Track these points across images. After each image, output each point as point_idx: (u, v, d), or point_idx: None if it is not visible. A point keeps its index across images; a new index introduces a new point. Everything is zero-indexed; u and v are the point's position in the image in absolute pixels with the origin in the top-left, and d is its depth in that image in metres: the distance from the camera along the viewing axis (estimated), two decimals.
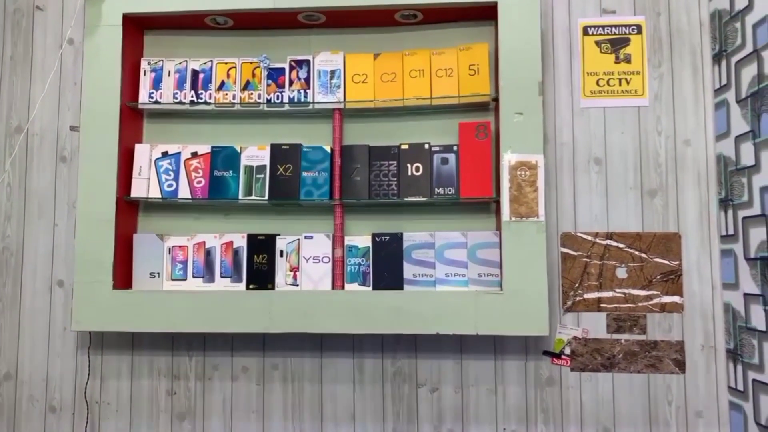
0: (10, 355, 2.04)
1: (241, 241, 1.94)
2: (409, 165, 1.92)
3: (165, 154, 1.99)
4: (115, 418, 2.00)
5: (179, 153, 1.98)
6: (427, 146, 1.92)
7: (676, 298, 1.91)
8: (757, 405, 1.71)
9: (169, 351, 2.02)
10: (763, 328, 1.67)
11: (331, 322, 1.83)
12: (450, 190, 1.90)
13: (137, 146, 1.99)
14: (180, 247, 1.95)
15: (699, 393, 1.89)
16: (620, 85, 1.99)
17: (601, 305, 1.93)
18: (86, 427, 1.99)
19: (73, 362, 2.02)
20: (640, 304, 1.92)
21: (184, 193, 1.96)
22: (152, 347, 2.02)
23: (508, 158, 1.82)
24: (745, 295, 1.76)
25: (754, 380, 1.72)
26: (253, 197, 1.94)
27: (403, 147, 1.93)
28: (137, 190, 1.96)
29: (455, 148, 1.91)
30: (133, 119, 2.02)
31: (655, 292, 1.92)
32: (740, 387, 1.80)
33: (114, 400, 2.01)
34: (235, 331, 1.87)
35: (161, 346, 2.01)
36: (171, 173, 1.98)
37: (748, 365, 1.75)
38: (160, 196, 1.96)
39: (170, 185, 1.97)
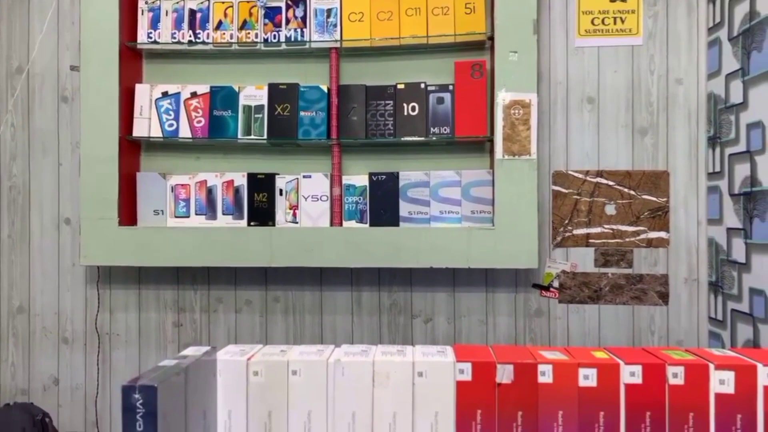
0: (21, 289, 2.12)
1: (241, 180, 1.99)
2: (405, 104, 1.96)
3: (165, 94, 2.02)
4: (125, 348, 2.10)
5: (179, 93, 2.01)
6: (423, 86, 1.95)
7: (662, 234, 1.98)
8: (734, 333, 1.80)
9: (174, 285, 2.10)
10: (743, 261, 1.74)
11: (329, 257, 1.90)
12: (445, 130, 1.94)
13: (137, 86, 2.01)
14: (182, 185, 2.01)
15: (681, 323, 1.98)
16: (615, 24, 2.00)
17: (590, 241, 2.00)
18: (98, 356, 2.10)
19: (82, 296, 2.11)
20: (627, 240, 1.99)
21: (184, 132, 2.00)
22: (158, 281, 2.10)
23: (502, 97, 1.85)
24: (728, 229, 1.83)
25: (732, 310, 1.81)
26: (252, 137, 1.98)
27: (399, 86, 1.96)
28: (139, 130, 2.00)
29: (451, 87, 1.94)
30: (132, 59, 2.04)
31: (642, 228, 1.99)
32: (719, 317, 1.89)
33: (123, 332, 2.11)
34: (238, 266, 1.95)
35: (167, 281, 2.10)
36: (171, 113, 2.01)
37: (728, 296, 1.83)
38: (161, 135, 2.00)
39: (171, 125, 2.01)
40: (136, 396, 0.62)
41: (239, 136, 1.99)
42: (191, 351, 0.79)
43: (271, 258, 1.91)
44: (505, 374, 0.79)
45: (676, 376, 0.77)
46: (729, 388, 0.76)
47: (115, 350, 2.11)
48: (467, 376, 0.79)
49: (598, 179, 2.00)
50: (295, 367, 0.81)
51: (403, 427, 0.79)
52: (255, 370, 0.81)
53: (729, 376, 0.76)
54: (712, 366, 0.77)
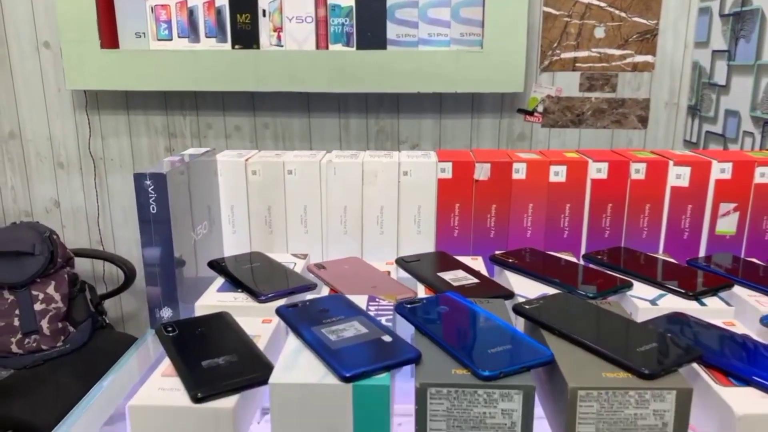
0: (10, 114, 2.13)
1: (222, 0, 1.92)
2: None
3: None
4: (120, 172, 2.17)
5: None
6: None
7: (648, 57, 1.99)
8: None
9: (163, 111, 2.11)
10: (723, 83, 1.78)
11: (316, 82, 1.91)
12: None
13: None
14: (162, 5, 1.94)
15: (657, 146, 2.07)
16: None
17: (576, 65, 2.01)
18: (94, 180, 2.17)
19: (72, 121, 2.13)
20: (613, 63, 2.00)
21: None
22: (146, 107, 2.11)
23: None
24: (713, 52, 1.84)
25: (707, 132, 1.88)
26: None
27: None
28: None
29: None
30: None
31: (629, 52, 1.99)
32: (694, 139, 1.97)
33: (117, 157, 2.16)
34: (224, 90, 1.95)
35: (155, 106, 2.11)
36: None
37: (704, 118, 1.90)
38: None
39: None
40: (148, 182, 0.69)
41: None
42: (191, 151, 0.84)
43: (257, 82, 1.91)
44: (482, 172, 0.86)
45: (638, 171, 0.85)
46: (684, 182, 0.84)
47: (110, 175, 2.18)
48: (448, 174, 0.86)
49: (590, 0, 1.95)
50: (291, 167, 0.87)
51: (389, 220, 0.88)
52: (253, 169, 0.87)
53: (685, 171, 0.84)
54: (671, 162, 0.84)
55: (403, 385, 0.54)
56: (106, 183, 2.18)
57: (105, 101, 2.11)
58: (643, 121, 2.05)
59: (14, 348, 1.73)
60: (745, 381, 0.51)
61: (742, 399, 0.49)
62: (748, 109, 1.64)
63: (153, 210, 0.69)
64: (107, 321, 1.98)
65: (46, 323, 1.77)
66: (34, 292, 1.78)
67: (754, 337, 0.59)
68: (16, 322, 1.75)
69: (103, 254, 2.14)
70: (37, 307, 1.78)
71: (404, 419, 0.56)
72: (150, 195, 0.69)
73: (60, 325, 1.79)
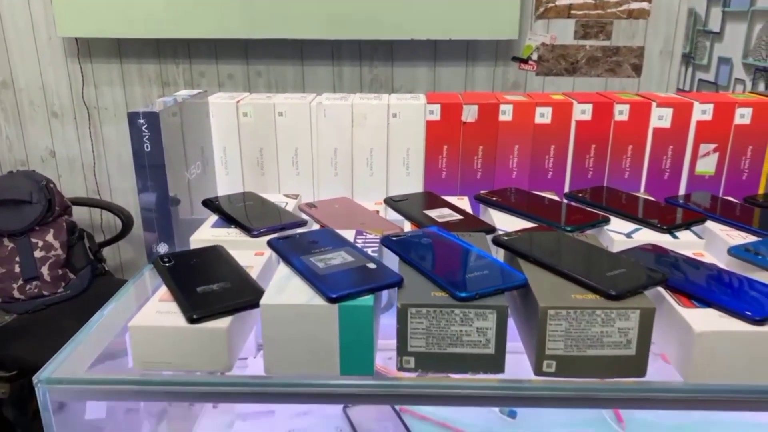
0: (1, 63, 2.11)
1: None
2: None
3: None
4: (115, 122, 2.17)
5: None
6: None
7: (644, 5, 1.97)
8: None
9: (155, 59, 2.10)
10: (717, 30, 1.77)
11: (309, 28, 1.90)
12: None
13: None
14: None
15: (650, 87, 2.07)
16: None
17: (572, 12, 1.99)
18: (89, 129, 2.18)
19: (64, 70, 2.12)
20: (608, 11, 1.98)
21: None
22: (139, 55, 2.10)
23: None
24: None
25: (699, 80, 1.89)
26: None
27: None
28: None
29: None
30: None
31: None
32: (687, 87, 1.97)
33: (111, 106, 2.16)
34: (217, 37, 1.94)
35: (148, 55, 2.09)
36: None
37: (698, 66, 1.90)
38: None
39: None
40: (141, 121, 0.71)
41: None
42: (183, 93, 0.86)
43: (250, 30, 1.90)
44: (470, 114, 0.88)
45: (621, 113, 0.86)
46: (666, 123, 0.86)
47: (105, 124, 2.18)
48: (436, 116, 0.88)
49: None
50: (281, 109, 0.89)
51: (378, 161, 0.90)
52: (244, 111, 0.89)
53: (667, 112, 0.86)
54: (654, 104, 0.86)
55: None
56: (101, 132, 2.19)
57: (97, 49, 2.09)
58: (637, 69, 2.04)
59: (16, 294, 1.77)
60: (706, 303, 0.54)
61: (702, 318, 0.52)
62: (741, 56, 1.64)
63: (147, 148, 0.71)
64: (106, 268, 2.02)
65: (47, 270, 1.81)
66: (34, 240, 1.81)
67: (721, 266, 0.62)
68: (17, 269, 1.78)
69: (100, 203, 2.17)
70: (37, 254, 1.81)
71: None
72: (144, 133, 0.71)
73: (60, 271, 1.83)
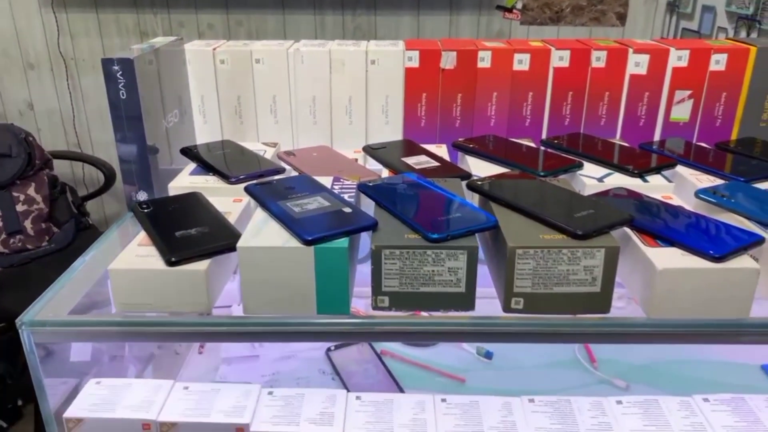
0: None
1: None
2: None
3: None
4: (93, 73, 2.13)
5: None
6: None
7: None
8: None
9: (133, 9, 2.05)
10: None
11: None
12: None
13: None
14: None
15: (634, 36, 2.06)
16: None
17: None
18: (67, 81, 2.14)
19: (39, 20, 2.06)
20: None
21: None
22: (116, 5, 2.04)
23: None
24: None
25: (683, 29, 1.88)
26: None
27: None
28: None
29: None
30: None
31: None
32: (671, 36, 1.96)
33: (88, 57, 2.11)
34: None
35: (125, 4, 2.04)
36: None
37: (682, 15, 1.89)
38: None
39: None
40: (116, 68, 0.70)
41: None
42: (159, 40, 0.85)
43: None
44: (448, 60, 0.87)
45: (599, 59, 0.87)
46: (642, 70, 0.87)
47: (83, 76, 2.14)
48: (415, 63, 0.88)
49: None
50: (258, 56, 0.88)
51: (357, 109, 0.90)
52: (221, 59, 0.88)
53: (644, 59, 0.86)
54: (630, 50, 0.86)
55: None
56: (80, 84, 2.15)
57: None
58: (622, 18, 2.03)
59: (0, 248, 1.77)
60: (670, 242, 0.56)
61: (665, 256, 0.54)
62: (724, 4, 1.64)
63: (123, 96, 0.71)
64: (90, 222, 2.02)
65: (30, 224, 1.80)
66: (15, 194, 1.80)
67: (688, 208, 0.64)
68: (0, 223, 1.78)
69: (81, 156, 2.15)
70: (19, 208, 1.80)
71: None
72: (119, 81, 0.70)
73: (44, 225, 1.82)
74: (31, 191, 1.82)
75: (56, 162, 1.94)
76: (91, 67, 2.12)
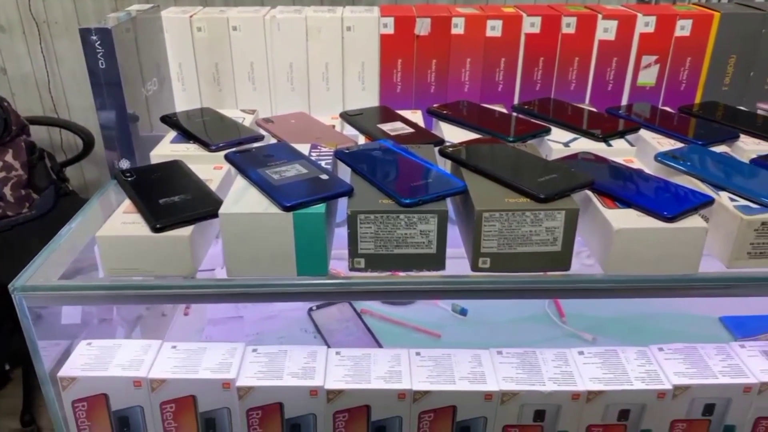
0: None
1: None
2: None
3: None
4: (67, 36, 2.10)
5: None
6: None
7: None
8: None
9: None
10: None
11: None
12: None
13: None
14: None
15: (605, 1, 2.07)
16: None
17: None
18: (40, 45, 2.10)
19: None
20: None
21: None
22: None
23: None
24: None
25: None
26: None
27: None
28: None
29: None
30: None
31: None
32: (653, 1, 1.98)
33: (61, 20, 2.07)
34: None
35: None
36: None
37: None
38: None
39: None
40: (94, 38, 0.71)
41: None
42: (135, 7, 0.85)
43: None
44: (423, 27, 0.89)
45: (569, 25, 0.89)
46: (611, 36, 0.89)
47: (57, 39, 2.10)
48: (390, 30, 0.90)
49: None
50: (235, 23, 0.89)
51: (334, 75, 0.92)
52: (198, 26, 0.89)
53: (612, 24, 0.88)
54: (600, 16, 0.88)
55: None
56: (53, 48, 2.11)
57: None
58: None
59: None
60: (627, 204, 0.60)
61: (622, 217, 0.58)
62: None
63: (102, 65, 0.72)
64: (70, 188, 2.02)
65: (9, 191, 1.80)
66: None
67: (648, 171, 0.68)
68: None
69: (58, 121, 2.13)
70: None
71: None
72: (98, 50, 0.71)
73: (23, 192, 1.82)
74: (9, 158, 1.81)
75: (33, 128, 1.93)
76: (64, 30, 2.09)
